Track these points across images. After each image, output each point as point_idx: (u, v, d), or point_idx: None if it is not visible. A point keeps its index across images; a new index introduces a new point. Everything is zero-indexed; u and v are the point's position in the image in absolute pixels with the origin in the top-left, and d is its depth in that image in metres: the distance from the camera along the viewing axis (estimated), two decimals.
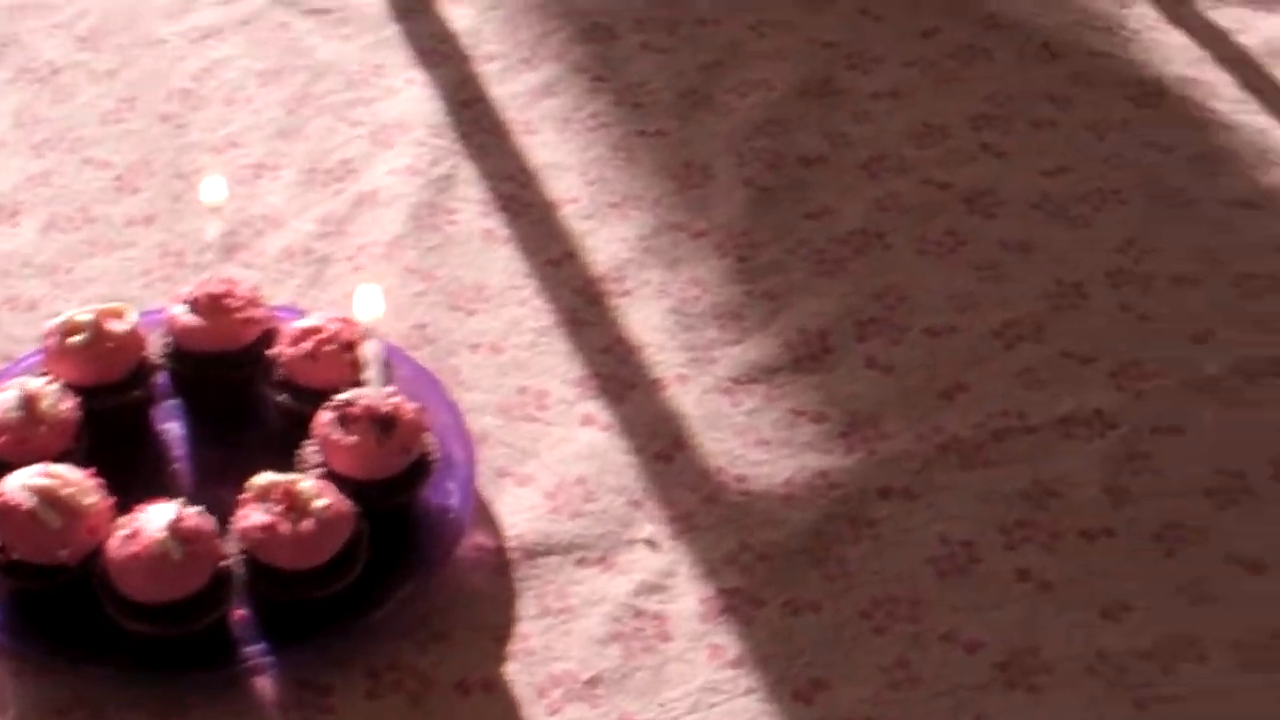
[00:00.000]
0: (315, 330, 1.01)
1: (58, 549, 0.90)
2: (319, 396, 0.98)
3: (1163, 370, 1.13)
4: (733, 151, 1.30)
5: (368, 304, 0.97)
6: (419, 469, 0.97)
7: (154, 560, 0.87)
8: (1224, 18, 1.44)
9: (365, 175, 1.30)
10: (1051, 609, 0.99)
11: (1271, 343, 1.15)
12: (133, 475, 0.99)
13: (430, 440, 0.98)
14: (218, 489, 0.97)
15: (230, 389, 1.04)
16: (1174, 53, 1.40)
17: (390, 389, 0.97)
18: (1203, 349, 1.14)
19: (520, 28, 1.43)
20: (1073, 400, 1.10)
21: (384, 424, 0.95)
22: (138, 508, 0.90)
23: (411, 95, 1.37)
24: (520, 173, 1.29)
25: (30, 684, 0.94)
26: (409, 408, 0.97)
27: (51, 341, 1.00)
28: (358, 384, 0.97)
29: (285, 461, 0.97)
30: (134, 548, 0.88)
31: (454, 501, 1.00)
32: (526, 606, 0.99)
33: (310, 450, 0.97)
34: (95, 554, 0.92)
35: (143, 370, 1.02)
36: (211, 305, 1.02)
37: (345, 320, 1.01)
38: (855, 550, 1.02)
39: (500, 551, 1.02)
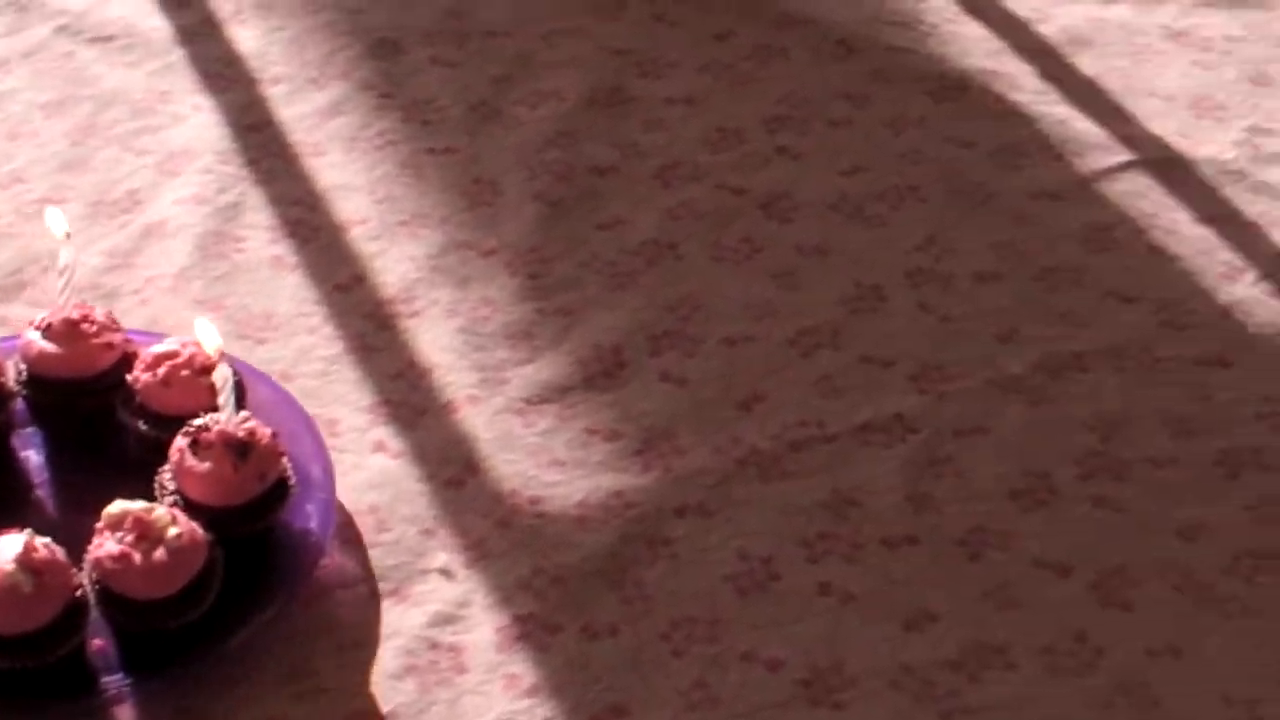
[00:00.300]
0: (170, 355, 1.00)
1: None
2: (175, 423, 0.97)
3: (965, 371, 1.11)
4: (523, 165, 1.27)
5: (208, 332, 0.96)
6: (276, 493, 0.96)
7: (3, 592, 0.87)
8: (1022, 8, 1.44)
9: (152, 206, 1.25)
10: (855, 622, 0.96)
11: (1075, 337, 1.13)
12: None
13: (286, 464, 0.96)
14: (78, 517, 0.94)
15: (88, 416, 1.03)
16: (972, 45, 1.39)
17: (245, 414, 0.94)
18: (1006, 347, 1.12)
19: (306, 47, 1.39)
20: (872, 406, 1.08)
21: (240, 449, 0.95)
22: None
23: (199, 121, 1.32)
24: (308, 196, 1.25)
25: None
26: (265, 432, 0.96)
27: None
28: (214, 409, 0.96)
29: (145, 489, 0.95)
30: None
31: (313, 524, 0.97)
32: (320, 642, 0.95)
33: (166, 477, 0.96)
34: None
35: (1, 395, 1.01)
36: (67, 331, 1.01)
37: (193, 344, 1.00)
38: (652, 571, 0.99)
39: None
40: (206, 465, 0.94)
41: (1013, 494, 1.03)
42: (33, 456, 1.05)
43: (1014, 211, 1.23)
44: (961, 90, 1.33)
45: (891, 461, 1.05)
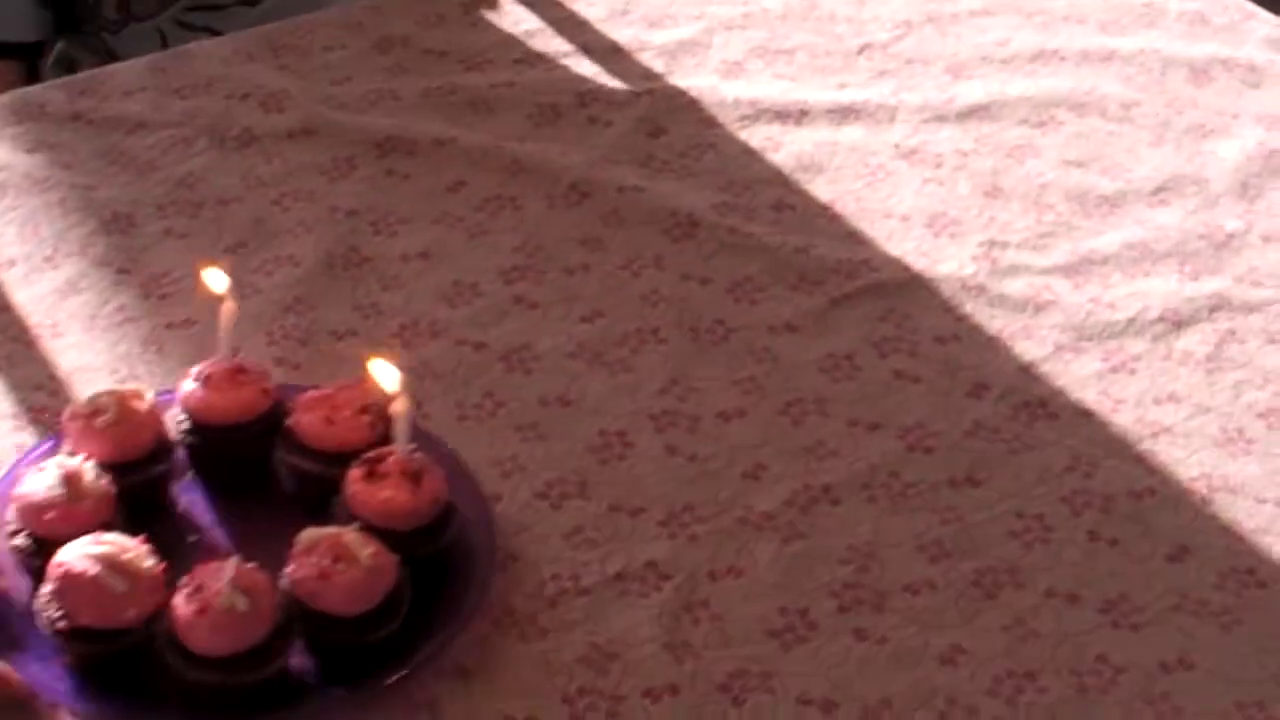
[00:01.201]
0: (328, 398, 1.08)
1: (124, 612, 0.96)
2: (337, 459, 1.06)
3: (715, 511, 1.12)
4: (262, 332, 1.26)
5: (388, 374, 1.05)
6: (445, 517, 1.05)
7: (221, 614, 0.94)
8: (755, 137, 1.46)
9: None
10: None
11: (823, 469, 1.15)
12: (163, 546, 1.02)
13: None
14: (248, 554, 1.00)
15: (246, 460, 1.11)
16: (706, 179, 1.41)
17: (412, 445, 1.04)
18: (755, 485, 1.14)
19: (41, 225, 1.37)
20: (624, 555, 1.08)
21: (414, 475, 1.03)
22: (197, 567, 0.97)
23: None
24: (50, 380, 1.23)
25: None
26: (429, 460, 1.05)
27: (76, 423, 1.06)
28: (371, 445, 1.06)
29: (303, 524, 1.02)
30: (199, 603, 0.95)
31: (477, 545, 1.06)
32: None
33: (341, 508, 1.04)
34: (156, 615, 0.97)
35: (163, 446, 1.08)
36: (225, 380, 1.09)
37: (354, 387, 1.09)
38: None
39: None
40: (386, 492, 1.03)
41: (772, 633, 1.04)
42: (195, 502, 1.11)
43: (754, 346, 1.25)
44: (695, 226, 1.36)
45: (648, 610, 1.05)
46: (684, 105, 1.51)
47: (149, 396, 1.10)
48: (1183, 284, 1.34)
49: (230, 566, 0.96)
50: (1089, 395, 1.23)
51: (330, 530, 1.00)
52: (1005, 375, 1.25)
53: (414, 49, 1.57)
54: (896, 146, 1.48)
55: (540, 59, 1.56)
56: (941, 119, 1.51)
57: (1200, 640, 1.06)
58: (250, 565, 0.97)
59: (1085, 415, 1.22)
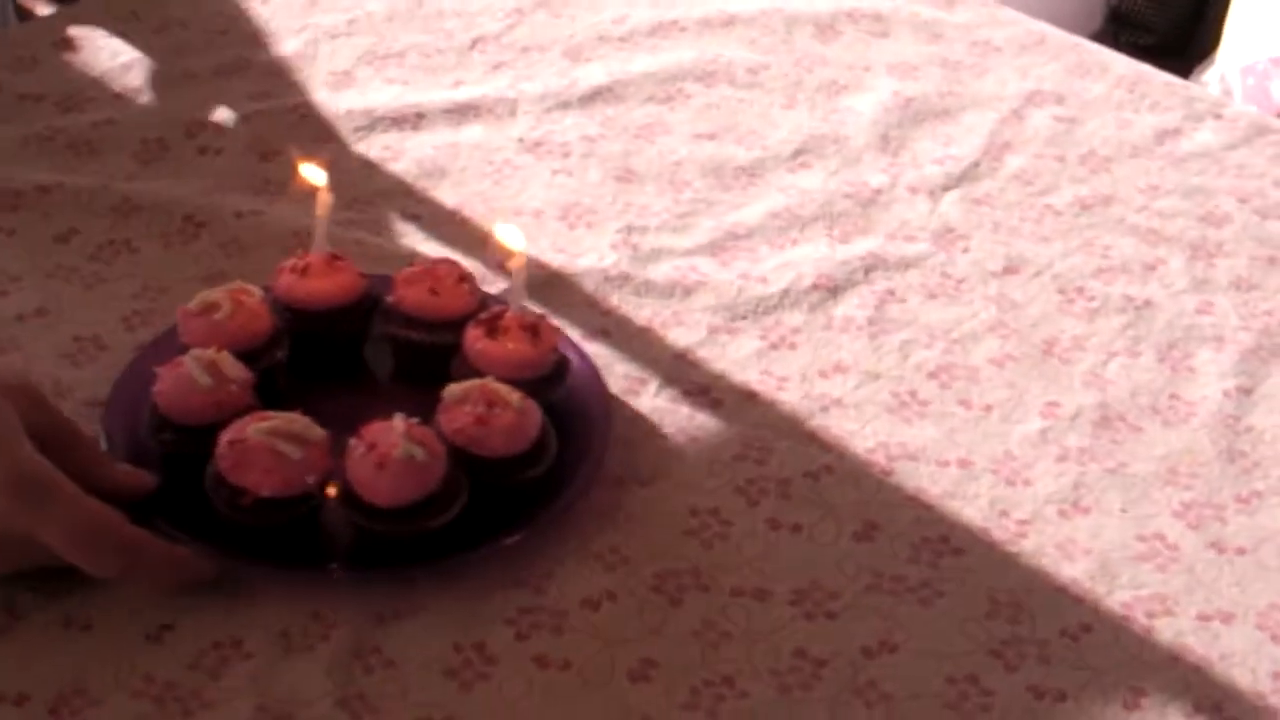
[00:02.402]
0: (428, 271, 1.16)
1: (303, 478, 1.01)
2: (444, 327, 1.14)
3: None
4: None
5: (511, 234, 1.15)
6: (561, 365, 1.14)
7: (401, 464, 1.00)
8: (373, 147, 1.40)
9: None
10: None
11: None
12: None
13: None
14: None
15: (348, 343, 1.18)
16: None
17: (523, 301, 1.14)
18: None
19: None
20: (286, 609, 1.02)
21: (532, 328, 1.11)
22: (361, 429, 1.03)
23: None
24: None
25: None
26: (540, 313, 1.14)
27: (195, 320, 1.12)
28: (473, 310, 1.14)
29: (422, 392, 1.09)
30: (377, 459, 1.01)
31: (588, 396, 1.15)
32: None
33: (462, 367, 1.11)
34: (329, 477, 1.03)
35: (276, 334, 1.14)
36: (326, 267, 1.16)
37: (446, 260, 1.18)
38: None
39: None
40: (509, 344, 1.11)
41: (448, 672, 0.98)
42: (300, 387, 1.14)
43: None
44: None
45: (317, 663, 0.98)
46: (295, 123, 1.45)
47: (256, 291, 1.14)
48: (833, 248, 1.33)
49: (400, 421, 1.02)
50: (751, 376, 1.21)
51: (476, 381, 1.07)
52: (661, 365, 1.21)
53: (7, 95, 1.47)
54: (520, 140, 1.44)
55: (142, 92, 1.47)
56: (565, 106, 1.48)
57: (901, 619, 1.04)
58: (413, 419, 1.03)
59: (749, 398, 1.19)
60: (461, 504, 1.04)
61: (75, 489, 0.98)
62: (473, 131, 1.45)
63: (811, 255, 1.31)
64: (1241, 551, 1.10)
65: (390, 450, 1.01)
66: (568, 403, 1.14)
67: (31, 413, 1.00)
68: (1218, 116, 1.52)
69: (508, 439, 1.06)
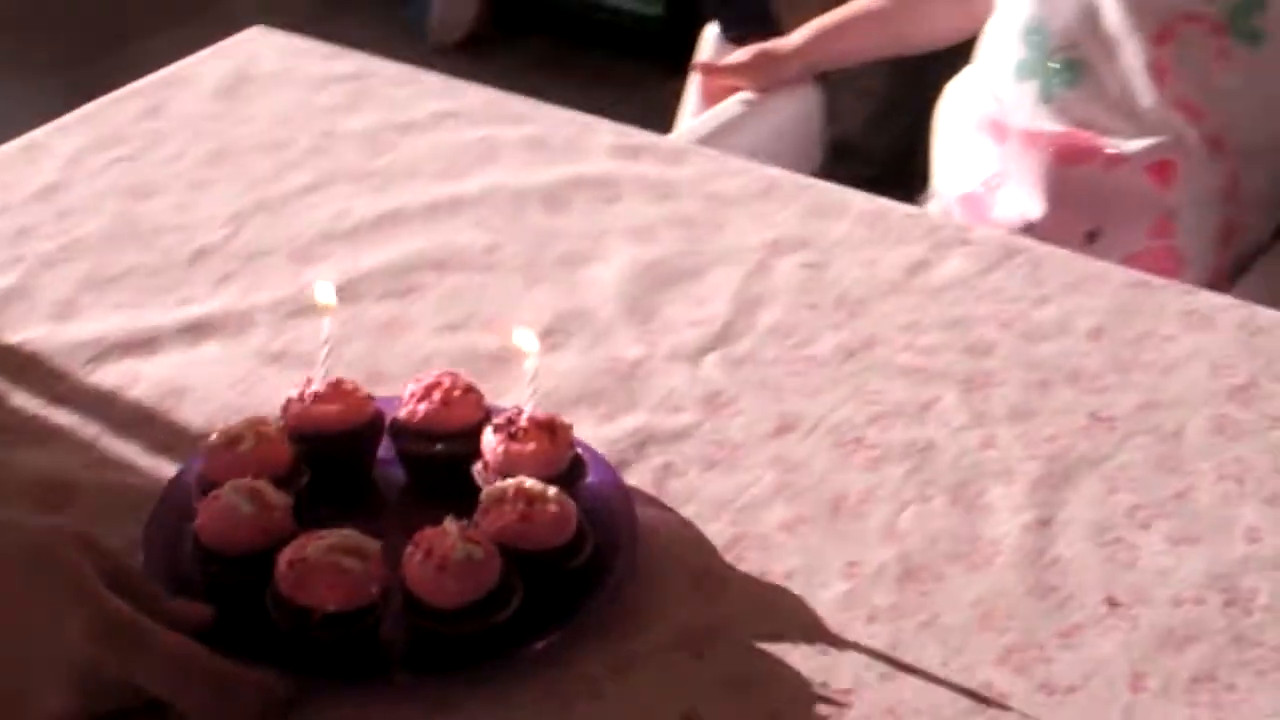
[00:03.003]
0: (433, 386, 1.21)
1: (367, 589, 1.05)
2: (458, 438, 1.19)
3: None
4: None
5: (526, 338, 1.21)
6: (578, 461, 1.19)
7: (461, 566, 1.05)
8: (107, 378, 1.33)
9: None
10: None
11: None
12: None
13: None
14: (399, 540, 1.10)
15: (359, 464, 1.23)
16: (65, 436, 1.27)
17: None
18: None
19: None
20: None
21: (548, 428, 1.17)
22: (415, 536, 1.08)
23: None
24: None
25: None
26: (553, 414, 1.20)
27: (220, 454, 1.16)
28: (481, 419, 1.20)
29: (436, 505, 1.12)
30: (438, 561, 1.06)
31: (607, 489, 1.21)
32: None
33: (484, 472, 1.17)
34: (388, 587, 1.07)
35: (297, 461, 1.18)
36: (331, 393, 1.21)
37: (447, 373, 1.23)
38: None
39: None
40: (530, 445, 1.16)
41: None
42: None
43: None
44: (72, 490, 1.22)
45: None
46: (22, 363, 1.36)
47: (275, 420, 1.20)
48: (601, 427, 1.29)
49: (452, 524, 1.08)
50: None
51: (510, 481, 1.12)
52: None
53: None
54: (260, 353, 1.37)
55: None
56: (301, 312, 1.42)
57: None
58: (461, 521, 1.09)
59: None
60: (519, 597, 1.08)
61: (159, 628, 1.00)
62: (209, 349, 1.38)
63: (580, 437, 1.27)
64: (1072, 690, 1.08)
65: (448, 552, 1.06)
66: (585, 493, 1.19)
67: (94, 559, 1.02)
68: (965, 243, 1.52)
69: (552, 532, 1.11)
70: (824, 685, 1.08)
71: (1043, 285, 1.47)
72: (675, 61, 3.80)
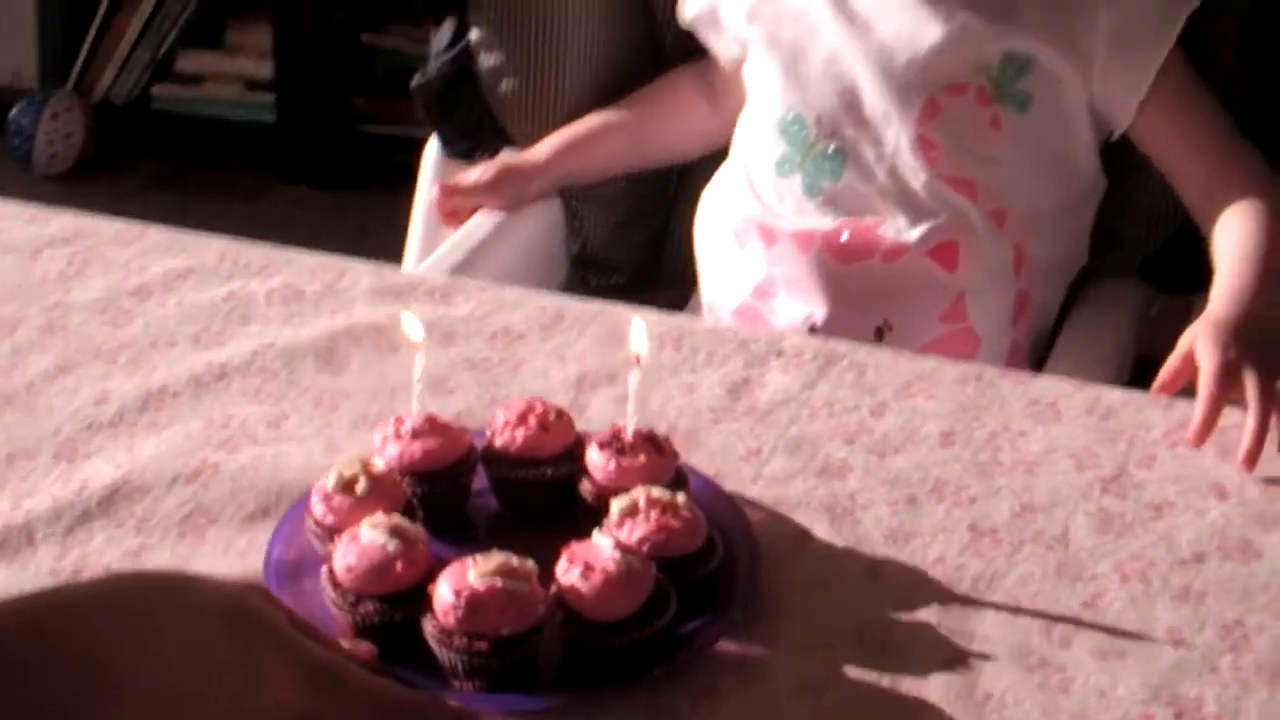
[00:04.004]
0: (526, 413, 1.25)
1: (535, 610, 1.09)
2: (559, 461, 1.24)
3: None
4: None
5: (639, 336, 1.24)
6: (682, 472, 1.24)
7: (622, 577, 1.09)
8: None
9: None
10: None
11: None
12: None
13: None
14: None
15: (460, 497, 1.26)
16: None
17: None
18: None
19: None
20: None
21: (653, 441, 1.22)
22: (566, 552, 1.12)
23: None
24: None
25: None
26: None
27: (337, 497, 1.19)
28: (575, 441, 1.25)
29: (540, 528, 1.19)
30: (601, 575, 1.09)
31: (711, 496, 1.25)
32: None
33: (590, 490, 1.21)
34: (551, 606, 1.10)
35: (409, 498, 1.21)
36: (428, 428, 1.25)
37: (535, 399, 1.27)
38: None
39: None
40: (640, 459, 1.21)
41: None
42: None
43: None
44: None
45: None
46: None
47: (378, 462, 1.22)
48: None
49: (607, 537, 1.13)
50: None
51: (636, 492, 1.16)
52: None
53: None
54: (53, 573, 1.23)
55: None
56: (86, 518, 1.27)
57: None
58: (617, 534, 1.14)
59: None
60: (674, 605, 1.11)
61: (360, 669, 1.02)
62: None
63: None
64: None
65: (610, 565, 1.10)
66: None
67: (279, 607, 1.03)
68: (779, 354, 1.45)
69: (688, 537, 1.15)
70: None
71: (875, 392, 1.41)
72: (290, 168, 3.72)
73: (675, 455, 1.24)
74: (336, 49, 3.74)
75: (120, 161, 3.79)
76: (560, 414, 1.26)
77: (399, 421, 1.25)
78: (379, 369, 1.45)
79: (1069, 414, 1.38)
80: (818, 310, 1.64)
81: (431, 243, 1.82)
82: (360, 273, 1.58)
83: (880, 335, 1.63)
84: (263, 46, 3.76)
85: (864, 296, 1.63)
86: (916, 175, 1.62)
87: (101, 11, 3.82)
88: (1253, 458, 1.32)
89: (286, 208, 3.64)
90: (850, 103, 1.65)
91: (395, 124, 3.72)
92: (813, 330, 1.63)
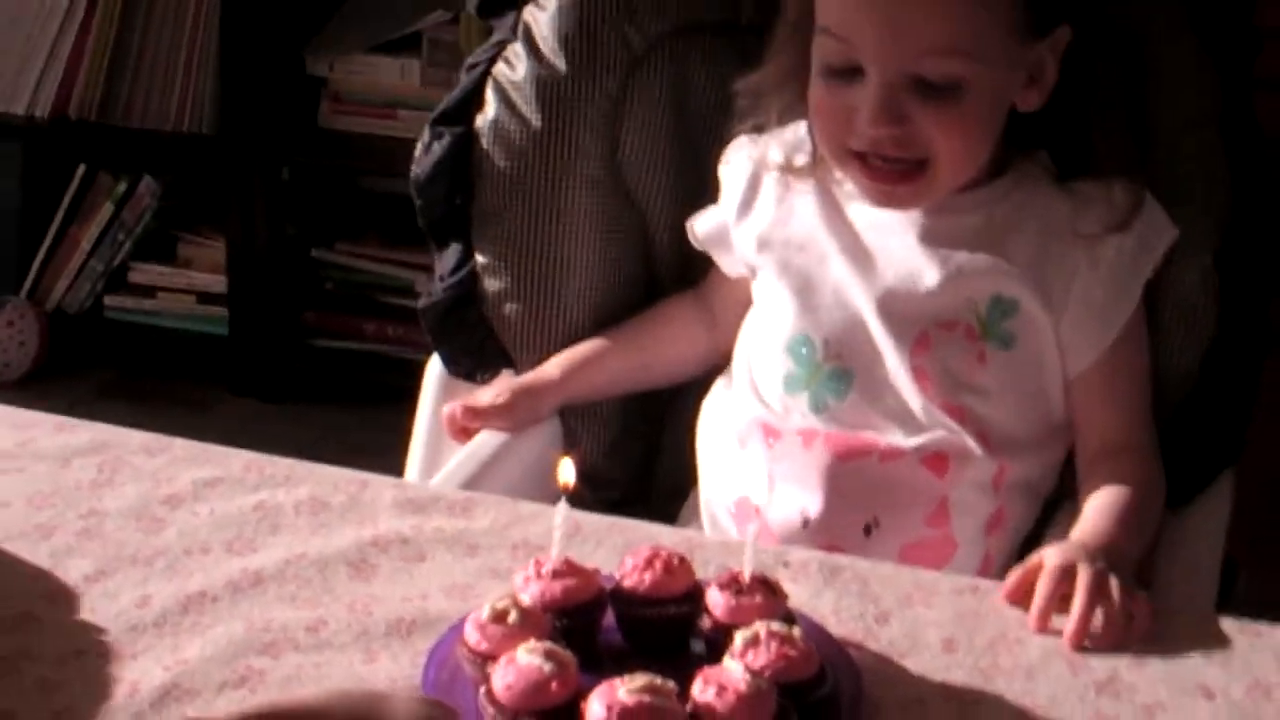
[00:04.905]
0: (653, 557, 1.43)
1: None
2: (680, 600, 1.41)
3: None
4: None
5: (566, 469, 1.48)
6: (790, 612, 1.41)
7: (753, 697, 1.27)
8: None
9: None
10: None
11: None
12: None
13: None
14: None
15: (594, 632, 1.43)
16: None
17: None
18: None
19: None
20: None
21: (766, 583, 1.41)
22: (699, 675, 1.29)
23: None
24: None
25: None
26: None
27: (493, 627, 1.35)
28: (694, 582, 1.43)
29: (658, 660, 1.34)
30: (734, 695, 1.26)
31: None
32: None
33: (708, 626, 1.39)
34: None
35: (555, 631, 1.37)
36: (566, 571, 1.42)
37: (662, 547, 1.45)
38: None
39: None
40: (757, 599, 1.39)
41: None
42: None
43: None
44: None
45: None
46: None
47: (523, 598, 1.39)
48: None
49: (737, 662, 1.31)
50: None
51: (756, 626, 1.34)
52: None
53: None
54: None
55: None
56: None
57: None
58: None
59: None
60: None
61: None
62: None
63: None
64: None
65: (740, 686, 1.27)
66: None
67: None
68: (785, 565, 1.55)
69: (805, 664, 1.32)
70: None
71: (878, 601, 1.51)
72: (240, 381, 3.81)
73: (786, 596, 1.41)
74: (288, 264, 3.85)
75: (73, 370, 3.87)
76: (682, 560, 1.43)
77: (539, 563, 1.42)
78: (407, 575, 1.53)
79: (1056, 622, 1.49)
80: (814, 504, 1.75)
81: (435, 458, 1.91)
82: (382, 486, 1.67)
83: (868, 532, 1.75)
84: (216, 261, 3.87)
85: (858, 493, 1.76)
86: (912, 399, 1.75)
87: (57, 222, 3.92)
88: (1078, 640, 1.47)
89: (237, 420, 3.72)
90: (855, 330, 1.78)
91: (344, 339, 3.83)
92: (805, 525, 1.74)
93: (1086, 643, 1.47)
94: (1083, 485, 1.77)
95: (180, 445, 1.73)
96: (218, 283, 3.87)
